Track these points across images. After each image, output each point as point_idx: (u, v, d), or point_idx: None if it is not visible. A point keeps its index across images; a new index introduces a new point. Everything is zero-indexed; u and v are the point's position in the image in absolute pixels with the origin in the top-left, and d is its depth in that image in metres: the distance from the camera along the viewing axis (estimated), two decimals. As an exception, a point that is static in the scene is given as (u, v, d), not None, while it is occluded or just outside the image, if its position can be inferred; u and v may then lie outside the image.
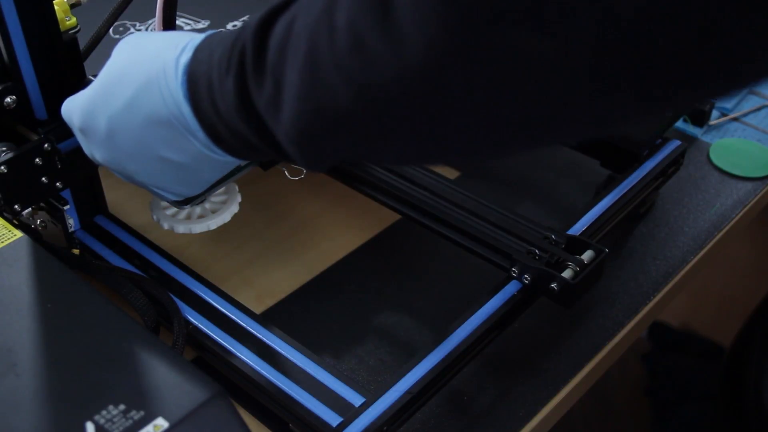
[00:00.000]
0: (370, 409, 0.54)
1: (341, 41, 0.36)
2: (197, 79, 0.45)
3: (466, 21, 0.32)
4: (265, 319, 0.61)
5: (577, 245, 0.63)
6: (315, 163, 0.43)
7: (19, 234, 0.54)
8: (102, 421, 0.41)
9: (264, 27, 0.41)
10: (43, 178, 0.62)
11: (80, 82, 0.64)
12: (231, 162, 0.50)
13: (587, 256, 0.62)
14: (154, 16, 0.61)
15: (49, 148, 0.61)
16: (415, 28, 0.34)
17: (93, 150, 0.52)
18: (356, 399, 0.55)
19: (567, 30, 0.31)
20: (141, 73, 0.47)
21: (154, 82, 0.47)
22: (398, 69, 0.35)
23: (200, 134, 0.47)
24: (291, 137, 0.42)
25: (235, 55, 0.42)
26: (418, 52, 0.34)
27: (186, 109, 0.46)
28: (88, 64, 0.66)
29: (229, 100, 0.43)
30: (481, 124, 0.36)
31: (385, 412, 0.54)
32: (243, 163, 0.67)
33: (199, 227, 0.66)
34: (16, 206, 0.61)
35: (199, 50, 0.46)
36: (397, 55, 0.35)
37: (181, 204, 0.64)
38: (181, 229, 0.67)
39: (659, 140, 0.75)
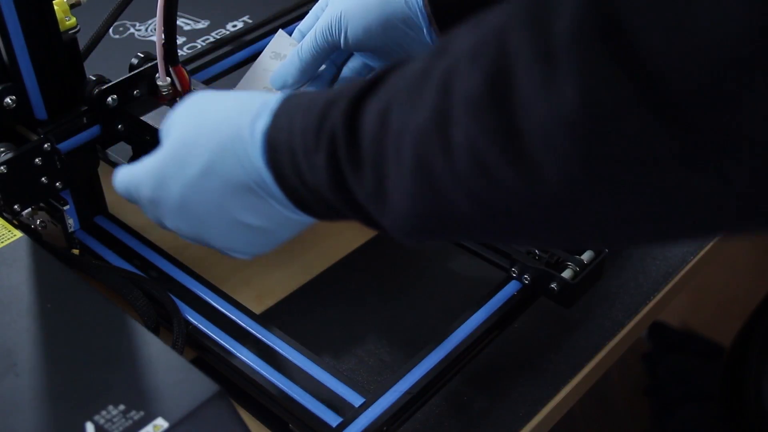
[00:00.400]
0: (370, 409, 0.54)
1: (461, 161, 0.34)
2: (278, 147, 0.44)
3: (610, 162, 0.30)
4: (265, 319, 0.61)
5: (577, 245, 0.63)
6: (417, 244, 0.42)
7: (18, 234, 0.54)
8: (102, 421, 0.41)
9: (353, 110, 0.40)
10: (43, 179, 0.62)
11: (80, 82, 0.64)
12: (310, 221, 0.49)
13: (587, 256, 0.62)
14: (154, 17, 0.61)
15: (49, 149, 0.61)
16: (549, 160, 0.32)
17: (163, 218, 0.51)
18: (356, 399, 0.55)
19: (724, 170, 0.29)
20: (213, 139, 0.47)
21: (229, 147, 0.46)
22: (530, 195, 0.33)
23: (283, 199, 0.46)
24: (398, 228, 0.41)
25: (325, 135, 0.41)
26: (553, 184, 0.32)
27: (267, 176, 0.45)
28: (87, 64, 0.66)
29: (320, 176, 0.42)
30: (620, 233, 0.34)
31: (385, 412, 0.54)
32: None
33: None
34: (15, 206, 0.61)
35: (277, 116, 0.45)
36: (529, 184, 0.33)
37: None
38: None
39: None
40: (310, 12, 0.71)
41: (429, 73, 0.36)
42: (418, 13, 0.65)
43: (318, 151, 0.42)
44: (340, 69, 0.71)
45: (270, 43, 0.72)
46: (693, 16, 0.27)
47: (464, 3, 0.64)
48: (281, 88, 0.69)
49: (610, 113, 0.29)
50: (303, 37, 0.70)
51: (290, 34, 0.73)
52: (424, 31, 0.65)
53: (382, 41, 0.66)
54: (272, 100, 0.46)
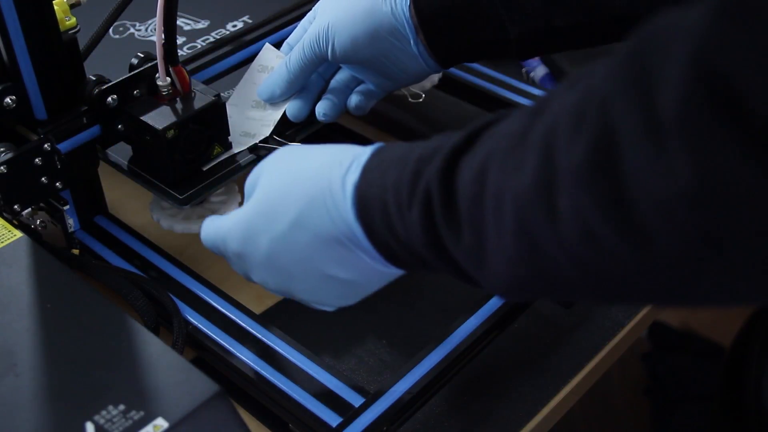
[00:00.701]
0: (370, 409, 0.54)
1: (567, 228, 0.34)
2: (369, 202, 0.45)
3: (730, 229, 0.30)
4: (265, 319, 0.61)
5: (577, 245, 0.63)
6: (516, 300, 0.43)
7: (18, 234, 0.54)
8: (102, 421, 0.41)
9: (449, 168, 0.41)
10: (43, 178, 0.62)
11: (80, 82, 0.64)
12: (399, 273, 0.49)
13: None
14: (154, 17, 0.61)
15: (49, 148, 0.61)
16: (663, 231, 0.31)
17: (250, 272, 0.52)
18: (356, 399, 0.55)
19: None
20: (304, 193, 0.47)
21: (319, 200, 0.46)
22: (641, 265, 0.33)
23: (373, 253, 0.46)
24: (498, 287, 0.41)
25: (419, 192, 0.41)
26: (668, 254, 0.32)
27: (357, 229, 0.46)
28: (87, 64, 0.66)
29: (414, 232, 0.43)
30: (736, 294, 0.33)
31: (385, 412, 0.54)
32: (244, 161, 0.67)
33: (197, 227, 0.66)
34: (15, 206, 0.61)
35: (367, 171, 0.45)
36: (640, 254, 0.32)
37: (182, 203, 0.64)
38: (179, 228, 0.67)
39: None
40: (299, 25, 0.71)
41: (527, 135, 0.36)
42: (405, 24, 0.65)
43: (412, 208, 0.42)
44: (328, 82, 0.71)
45: (257, 57, 0.72)
46: None
47: (451, 14, 0.64)
48: (269, 99, 0.69)
49: (728, 181, 0.29)
50: (291, 50, 0.71)
51: (285, 39, 0.73)
52: (411, 42, 0.65)
53: (370, 53, 0.66)
54: (363, 153, 0.46)
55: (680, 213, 0.31)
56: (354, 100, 0.70)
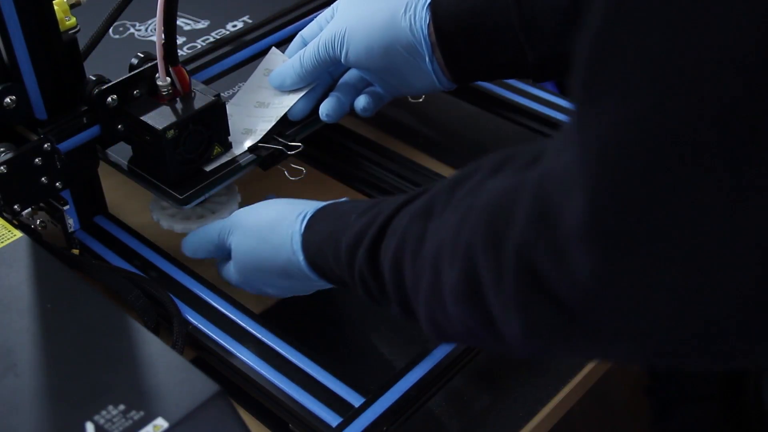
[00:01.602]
0: (370, 409, 0.54)
1: (455, 326, 0.43)
2: (314, 256, 0.56)
3: (556, 349, 0.41)
4: (265, 319, 0.61)
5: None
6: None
7: (18, 234, 0.54)
8: (102, 421, 0.41)
9: (373, 258, 0.49)
10: (43, 178, 0.62)
11: (80, 82, 0.64)
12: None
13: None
14: (154, 17, 0.61)
15: (49, 148, 0.61)
16: (518, 347, 0.41)
17: (231, 278, 0.63)
18: (356, 399, 0.55)
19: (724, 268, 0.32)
20: (269, 246, 0.58)
21: (282, 249, 0.58)
22: (503, 349, 0.43)
23: (316, 278, 0.58)
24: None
25: (356, 273, 0.51)
26: (522, 351, 0.42)
27: (297, 249, 0.57)
28: (87, 64, 0.66)
29: (352, 284, 0.53)
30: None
31: (385, 412, 0.54)
32: (244, 161, 0.67)
33: (197, 227, 0.66)
34: (15, 206, 0.61)
35: (308, 242, 0.56)
36: (505, 347, 0.42)
37: (182, 203, 0.64)
38: (179, 228, 0.67)
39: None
40: (315, 21, 0.71)
41: (422, 246, 0.44)
42: (422, 42, 0.65)
43: (351, 275, 0.52)
44: (336, 79, 0.71)
45: (263, 61, 0.73)
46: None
47: (470, 36, 0.65)
48: (279, 87, 0.70)
49: (546, 333, 0.38)
50: (304, 42, 0.71)
51: (285, 39, 0.73)
52: (426, 59, 0.66)
53: (383, 63, 0.66)
54: (297, 228, 0.57)
55: (519, 341, 0.39)
56: (362, 102, 0.70)
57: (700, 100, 0.30)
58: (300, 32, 0.72)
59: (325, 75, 0.70)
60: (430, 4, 0.65)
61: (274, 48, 0.73)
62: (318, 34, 0.70)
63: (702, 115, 0.30)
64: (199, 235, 0.64)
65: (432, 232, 0.44)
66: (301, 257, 0.56)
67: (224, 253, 0.63)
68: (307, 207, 0.58)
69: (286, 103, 0.70)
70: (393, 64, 0.66)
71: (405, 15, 0.65)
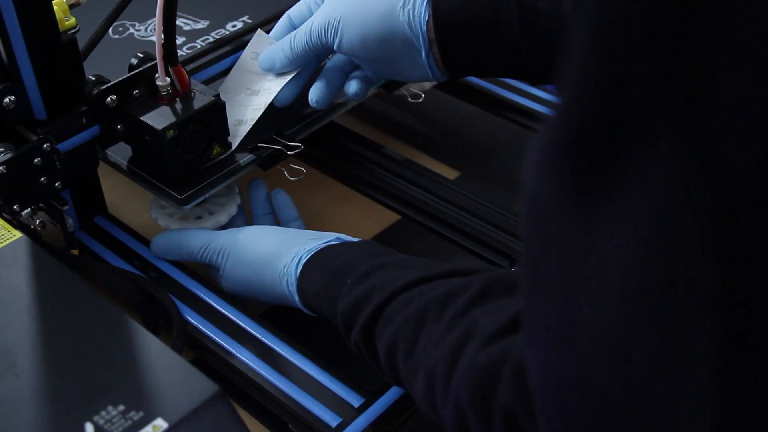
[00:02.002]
0: (369, 409, 0.54)
1: (448, 418, 0.45)
2: (308, 300, 0.57)
3: None
4: (265, 319, 0.61)
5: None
6: None
7: (18, 234, 0.54)
8: (101, 421, 0.41)
9: (368, 335, 0.51)
10: (43, 179, 0.62)
11: (79, 82, 0.64)
12: None
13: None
14: (154, 17, 0.61)
15: (49, 149, 0.61)
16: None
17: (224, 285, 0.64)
18: (356, 399, 0.55)
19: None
20: (268, 274, 0.60)
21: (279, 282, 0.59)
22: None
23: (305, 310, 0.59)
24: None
25: (351, 341, 0.53)
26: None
27: (293, 291, 0.58)
28: (87, 64, 0.66)
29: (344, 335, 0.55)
30: None
31: (384, 413, 0.54)
32: (243, 161, 0.67)
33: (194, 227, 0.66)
34: (15, 206, 0.61)
35: (303, 289, 0.57)
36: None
37: (182, 203, 0.64)
38: (176, 227, 0.67)
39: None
40: (302, 1, 0.70)
41: (415, 347, 0.48)
42: (420, 37, 0.65)
43: (347, 336, 0.54)
44: (323, 62, 0.71)
45: (250, 44, 0.72)
46: None
47: (471, 39, 0.65)
48: (268, 69, 0.70)
49: None
50: (291, 22, 0.70)
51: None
52: (423, 54, 0.65)
53: (377, 54, 0.66)
54: (293, 271, 0.58)
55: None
56: (353, 87, 0.69)
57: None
58: (287, 12, 0.72)
59: (314, 59, 0.70)
60: (429, 0, 0.65)
61: (259, 30, 0.72)
62: (305, 15, 0.69)
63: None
64: (176, 242, 0.65)
65: (423, 341, 0.47)
66: (296, 298, 0.58)
67: (207, 265, 0.64)
68: (301, 245, 0.59)
69: (274, 89, 0.69)
70: (387, 55, 0.66)
71: (403, 9, 0.65)
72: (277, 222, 0.69)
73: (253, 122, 0.68)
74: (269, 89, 0.69)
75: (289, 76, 0.69)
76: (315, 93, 0.69)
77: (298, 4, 0.71)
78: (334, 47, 0.66)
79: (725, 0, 0.27)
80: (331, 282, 0.54)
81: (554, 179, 0.32)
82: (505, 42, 0.64)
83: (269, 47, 0.70)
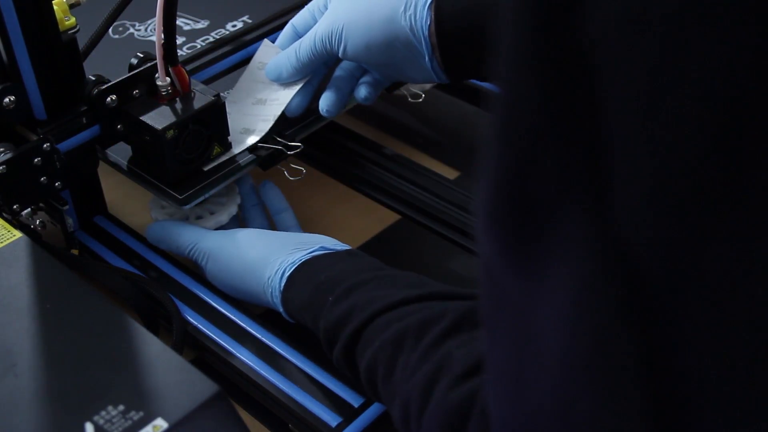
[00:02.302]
0: (369, 409, 0.54)
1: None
2: (291, 306, 0.58)
3: None
4: (265, 319, 0.61)
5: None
6: None
7: (18, 234, 0.54)
8: (101, 421, 0.41)
9: (349, 354, 0.52)
10: (43, 178, 0.62)
11: (79, 82, 0.64)
12: None
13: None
14: (154, 17, 0.61)
15: (49, 148, 0.61)
16: None
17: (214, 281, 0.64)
18: (356, 399, 0.55)
19: None
20: (254, 281, 0.60)
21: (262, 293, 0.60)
22: None
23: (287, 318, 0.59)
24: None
25: (334, 357, 0.54)
26: None
27: (278, 302, 0.58)
28: (87, 64, 0.66)
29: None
30: None
31: (384, 413, 0.54)
32: (244, 161, 0.67)
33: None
34: (15, 206, 0.61)
35: (288, 289, 0.57)
36: None
37: (182, 203, 0.64)
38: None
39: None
40: (306, 8, 0.70)
41: (393, 372, 0.49)
42: (422, 41, 0.65)
43: (329, 351, 0.54)
44: (332, 69, 0.71)
45: (256, 54, 0.72)
46: None
47: (473, 45, 0.64)
48: (275, 79, 0.70)
49: None
50: (296, 31, 0.70)
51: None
52: (426, 58, 0.66)
53: (382, 59, 0.66)
54: (277, 284, 0.58)
55: None
56: (363, 92, 0.69)
57: None
58: (291, 21, 0.72)
59: (321, 66, 0.70)
60: (431, 4, 0.65)
61: (266, 40, 0.72)
62: (309, 23, 0.69)
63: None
64: (168, 234, 0.65)
65: (400, 368, 0.48)
66: (281, 309, 0.58)
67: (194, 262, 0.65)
68: (286, 256, 0.59)
69: (283, 99, 0.69)
70: (392, 59, 0.66)
71: (405, 14, 0.65)
72: (267, 213, 0.70)
73: (264, 133, 0.68)
74: (277, 99, 0.69)
75: (297, 86, 0.69)
76: (325, 102, 0.69)
77: (301, 12, 0.71)
78: (339, 54, 0.67)
79: (617, 95, 0.28)
80: (314, 298, 0.55)
81: (495, 239, 0.34)
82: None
83: (275, 57, 0.70)
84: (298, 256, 0.58)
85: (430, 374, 0.46)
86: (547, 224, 0.31)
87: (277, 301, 0.58)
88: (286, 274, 0.57)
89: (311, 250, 0.58)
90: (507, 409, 0.36)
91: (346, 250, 0.59)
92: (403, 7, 0.65)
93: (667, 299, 0.30)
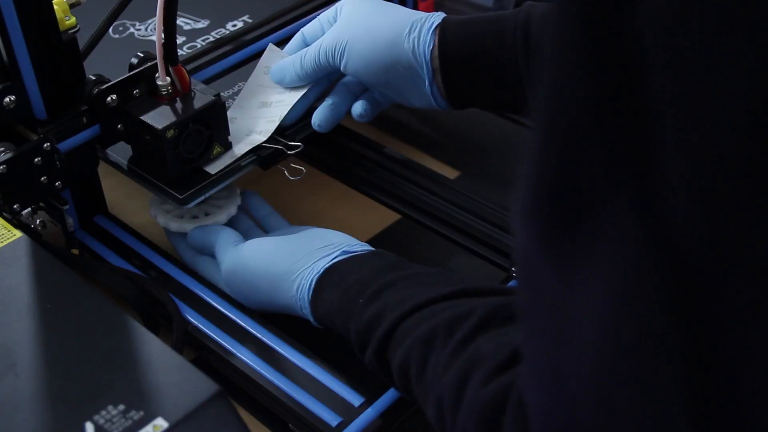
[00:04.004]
0: (369, 409, 0.54)
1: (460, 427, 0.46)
2: (320, 313, 0.57)
3: None
4: (265, 319, 0.61)
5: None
6: None
7: (18, 234, 0.54)
8: (101, 421, 0.41)
9: (381, 355, 0.52)
10: (43, 178, 0.62)
11: (80, 81, 0.64)
12: None
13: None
14: (154, 16, 0.61)
15: (49, 148, 0.61)
16: None
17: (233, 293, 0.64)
18: (356, 399, 0.55)
19: None
20: (279, 291, 0.59)
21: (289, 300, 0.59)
22: None
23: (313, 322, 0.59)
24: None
25: (366, 359, 0.53)
26: None
27: (308, 313, 0.58)
28: (87, 64, 0.66)
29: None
30: None
31: (384, 412, 0.54)
32: (244, 161, 0.67)
33: (191, 226, 0.66)
34: (15, 206, 0.61)
35: (320, 291, 0.57)
36: None
37: (182, 203, 0.64)
38: (174, 227, 0.67)
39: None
40: (317, 19, 0.70)
41: (425, 371, 0.48)
42: (424, 66, 0.65)
43: (361, 355, 0.54)
44: (334, 83, 0.71)
45: (262, 58, 0.72)
46: None
47: (475, 76, 0.65)
48: (279, 82, 0.70)
49: None
50: (305, 40, 0.71)
51: (285, 39, 0.73)
52: (426, 83, 0.66)
53: (382, 79, 0.67)
54: (306, 296, 0.58)
55: None
56: (359, 108, 0.69)
57: None
58: (301, 29, 0.72)
59: (323, 78, 0.70)
60: (436, 29, 0.65)
61: (271, 45, 0.73)
62: (318, 34, 0.70)
63: None
64: (208, 242, 0.65)
65: (432, 366, 0.48)
66: (311, 319, 0.58)
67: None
68: (311, 264, 0.58)
69: (288, 101, 0.69)
70: (392, 81, 0.66)
71: (409, 36, 0.65)
72: (253, 219, 0.70)
73: (269, 134, 0.68)
74: (283, 101, 0.70)
75: (303, 90, 0.70)
76: (318, 117, 0.69)
77: (312, 22, 0.71)
78: (341, 69, 0.67)
79: (667, 96, 0.29)
80: (344, 301, 0.55)
81: (535, 232, 0.34)
82: (509, 78, 0.64)
83: (281, 61, 0.70)
84: (323, 264, 0.57)
85: (462, 371, 0.45)
86: (590, 214, 0.32)
87: (306, 312, 0.58)
88: (313, 283, 0.57)
89: (334, 255, 0.58)
90: (546, 399, 0.36)
91: (372, 251, 0.59)
92: (408, 30, 0.65)
93: (712, 290, 0.30)
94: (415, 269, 0.55)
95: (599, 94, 0.31)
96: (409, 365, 0.50)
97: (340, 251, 0.58)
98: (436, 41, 0.64)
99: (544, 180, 0.33)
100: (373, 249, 0.59)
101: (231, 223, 0.68)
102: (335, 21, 0.69)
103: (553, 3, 0.31)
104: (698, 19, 0.28)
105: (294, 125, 0.70)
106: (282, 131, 0.70)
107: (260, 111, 0.70)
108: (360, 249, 0.59)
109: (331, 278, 0.56)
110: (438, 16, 0.65)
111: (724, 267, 0.29)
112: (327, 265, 0.57)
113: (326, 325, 0.57)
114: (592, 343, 0.33)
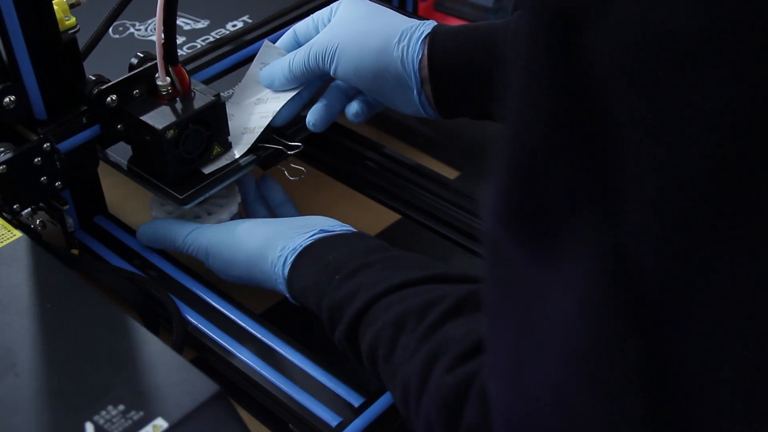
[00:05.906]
0: (369, 409, 0.54)
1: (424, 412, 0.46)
2: (296, 287, 0.58)
3: None
4: (265, 319, 0.61)
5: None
6: None
7: (18, 234, 0.54)
8: (101, 421, 0.41)
9: (352, 333, 0.52)
10: (43, 178, 0.62)
11: (79, 82, 0.64)
12: None
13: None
14: (154, 16, 0.61)
15: (49, 148, 0.61)
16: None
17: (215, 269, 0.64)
18: (356, 399, 0.55)
19: None
20: (257, 266, 0.60)
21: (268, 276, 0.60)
22: None
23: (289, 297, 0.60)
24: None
25: (336, 338, 0.54)
26: None
27: (283, 287, 0.59)
28: (87, 64, 0.66)
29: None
30: None
31: (384, 412, 0.54)
32: (244, 161, 0.67)
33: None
34: (15, 206, 0.61)
35: (293, 282, 0.58)
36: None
37: (182, 203, 0.64)
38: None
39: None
40: (311, 18, 0.70)
41: (393, 352, 0.49)
42: (412, 75, 0.65)
43: (331, 332, 0.54)
44: (327, 83, 0.71)
45: (258, 55, 0.72)
46: None
47: (465, 87, 0.65)
48: (268, 86, 0.70)
49: None
50: (296, 38, 0.70)
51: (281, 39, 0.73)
52: (414, 91, 0.65)
53: (371, 86, 0.67)
54: (280, 272, 0.58)
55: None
56: (354, 107, 0.69)
57: None
58: (294, 26, 0.71)
59: (316, 79, 0.70)
60: (425, 38, 0.64)
61: (267, 41, 0.72)
62: (311, 34, 0.69)
63: None
64: (161, 231, 0.66)
65: (401, 348, 0.48)
66: (287, 294, 0.59)
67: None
68: (288, 240, 0.59)
69: (283, 96, 0.69)
70: (381, 88, 0.66)
71: (398, 44, 0.65)
72: (268, 206, 0.70)
73: (262, 129, 0.68)
74: (277, 97, 0.69)
75: (296, 90, 0.69)
76: (313, 116, 0.69)
77: (305, 20, 0.71)
78: (331, 73, 0.67)
79: (626, 119, 0.29)
80: (321, 277, 0.55)
81: (503, 231, 0.35)
82: (498, 89, 0.64)
83: (269, 66, 0.70)
84: (300, 240, 0.58)
85: (430, 355, 0.46)
86: (555, 229, 0.32)
87: (282, 285, 0.58)
88: (291, 258, 0.58)
89: (312, 233, 0.58)
90: (507, 393, 0.37)
91: (354, 232, 0.59)
92: (397, 38, 0.65)
93: (671, 307, 0.30)
94: (395, 252, 0.55)
95: (561, 117, 0.31)
96: (378, 346, 0.50)
97: (317, 230, 0.59)
98: (425, 51, 0.64)
99: (509, 195, 0.34)
100: (356, 230, 0.60)
101: (248, 214, 0.69)
102: (329, 22, 0.69)
103: (517, 24, 0.32)
104: (656, 41, 0.28)
105: (294, 125, 0.70)
106: (282, 131, 0.70)
107: (256, 107, 0.70)
108: (341, 229, 0.59)
109: (311, 254, 0.57)
110: (428, 25, 0.65)
111: (682, 288, 0.30)
112: (307, 242, 0.58)
113: (299, 299, 0.58)
114: (555, 345, 0.33)
